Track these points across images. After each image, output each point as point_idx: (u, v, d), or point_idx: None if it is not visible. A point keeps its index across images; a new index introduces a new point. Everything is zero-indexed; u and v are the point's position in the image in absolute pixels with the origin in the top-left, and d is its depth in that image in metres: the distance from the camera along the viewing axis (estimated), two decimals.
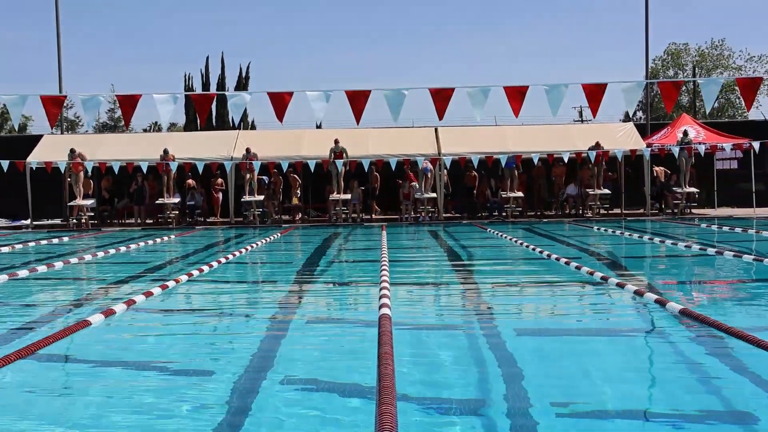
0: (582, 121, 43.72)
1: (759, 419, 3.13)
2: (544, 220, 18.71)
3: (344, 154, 18.44)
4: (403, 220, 19.01)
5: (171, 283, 7.12)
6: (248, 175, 18.58)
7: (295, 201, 20.01)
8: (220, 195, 19.97)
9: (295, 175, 19.63)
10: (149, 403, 3.49)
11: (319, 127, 24.52)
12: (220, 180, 19.75)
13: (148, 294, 6.40)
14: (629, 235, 13.00)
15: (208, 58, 39.62)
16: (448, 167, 18.93)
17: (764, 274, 7.76)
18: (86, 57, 67.88)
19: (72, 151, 18.16)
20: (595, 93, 11.30)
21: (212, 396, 3.58)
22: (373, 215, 20.15)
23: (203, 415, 3.28)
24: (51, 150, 19.41)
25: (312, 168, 18.60)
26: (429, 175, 18.64)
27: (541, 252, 9.77)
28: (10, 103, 11.51)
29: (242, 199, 18.94)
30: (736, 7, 67.20)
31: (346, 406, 3.44)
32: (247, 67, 39.96)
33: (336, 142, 18.47)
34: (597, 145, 18.34)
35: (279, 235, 14.85)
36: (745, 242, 11.71)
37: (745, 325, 4.66)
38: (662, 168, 20.11)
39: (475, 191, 20.11)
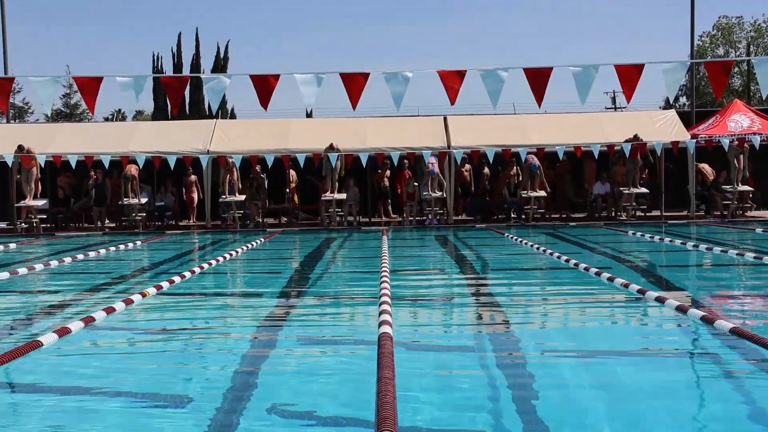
0: (615, 108, 43.76)
1: None
2: (571, 223, 18.71)
3: (340, 161, 18.44)
4: (406, 224, 19.01)
5: (136, 297, 7.12)
6: (228, 175, 18.59)
7: (291, 197, 20.07)
8: (195, 195, 19.98)
9: (292, 171, 19.67)
10: None
11: (309, 115, 24.57)
12: (193, 177, 19.76)
13: (110, 310, 6.39)
14: (670, 241, 13.00)
15: (180, 35, 39.69)
16: (458, 162, 18.93)
17: None
18: (37, 34, 67.99)
19: (20, 148, 18.10)
20: (630, 75, 11.30)
21: (185, 428, 3.58)
22: (383, 218, 20.01)
23: None
24: None
25: (301, 163, 18.59)
26: (435, 180, 18.61)
27: (567, 261, 9.77)
28: None
29: (220, 200, 18.96)
30: None
31: None
32: (226, 47, 40.03)
33: (331, 147, 18.34)
34: (635, 138, 18.33)
35: (263, 240, 14.87)
36: None
37: None
38: (706, 165, 20.03)
39: (476, 190, 20.19)
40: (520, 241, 13.32)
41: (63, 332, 5.39)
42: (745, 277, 9.18)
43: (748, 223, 17.66)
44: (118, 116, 46.12)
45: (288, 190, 20.11)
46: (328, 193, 18.68)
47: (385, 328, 4.93)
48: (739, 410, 3.79)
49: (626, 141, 18.38)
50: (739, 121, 19.87)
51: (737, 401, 3.96)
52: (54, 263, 11.03)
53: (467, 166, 19.84)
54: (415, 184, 19.00)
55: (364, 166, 19.29)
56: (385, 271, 8.69)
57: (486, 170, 20.10)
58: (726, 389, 4.20)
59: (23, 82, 33.78)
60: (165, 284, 8.06)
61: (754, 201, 20.27)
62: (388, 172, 19.48)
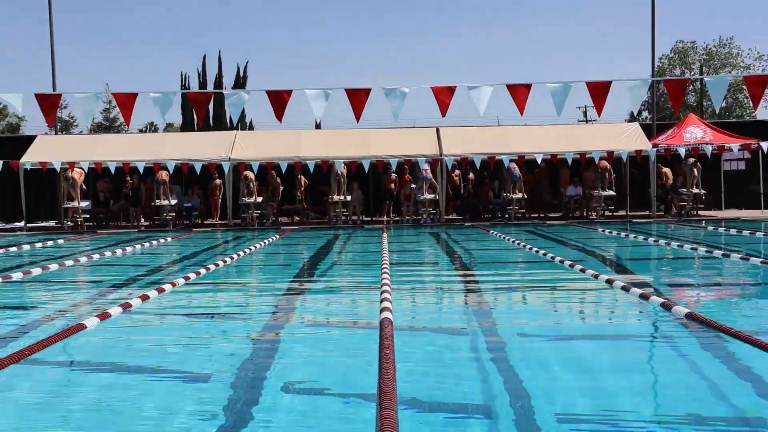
0: (587, 121, 43.70)
1: (764, 422, 3.14)
2: (548, 222, 18.71)
3: (342, 180, 18.56)
4: (404, 222, 19.01)
5: (167, 286, 7.13)
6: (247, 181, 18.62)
7: (301, 199, 20.08)
8: (219, 196, 19.97)
9: (302, 176, 19.70)
10: (142, 406, 3.51)
11: (318, 127, 24.57)
12: (218, 181, 19.75)
13: (144, 297, 6.41)
14: (634, 237, 13.01)
15: (205, 57, 39.67)
16: (449, 167, 18.95)
17: None
18: (80, 57, 67.99)
19: (64, 170, 18.39)
20: (599, 91, 11.31)
21: (210, 400, 3.59)
22: (390, 217, 19.93)
23: (200, 419, 3.29)
24: (45, 151, 19.40)
25: (311, 169, 18.62)
26: (426, 184, 18.60)
27: (544, 254, 9.78)
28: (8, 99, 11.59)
29: (240, 201, 18.96)
30: (745, 4, 67.18)
31: (347, 411, 3.45)
32: (245, 67, 40.01)
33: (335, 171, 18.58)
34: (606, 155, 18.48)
35: (277, 237, 14.87)
36: (752, 245, 11.72)
37: (753, 329, 4.68)
38: (668, 169, 20.12)
39: (464, 193, 20.18)
40: (503, 238, 13.33)
41: (104, 316, 5.41)
42: (698, 268, 9.19)
43: (700, 221, 17.68)
44: (151, 128, 46.07)
45: (298, 193, 20.14)
46: (335, 196, 18.78)
47: (386, 314, 4.94)
48: (691, 382, 3.81)
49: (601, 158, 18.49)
50: (694, 132, 19.87)
51: (691, 375, 3.98)
52: (96, 257, 11.05)
53: (457, 172, 19.85)
54: (413, 186, 18.99)
55: (366, 171, 19.30)
56: (385, 263, 8.70)
57: (471, 175, 20.12)
58: (681, 365, 4.21)
59: (69, 98, 33.80)
60: (192, 275, 8.08)
61: (706, 203, 20.33)
62: (393, 176, 19.49)
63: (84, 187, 19.24)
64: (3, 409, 3.59)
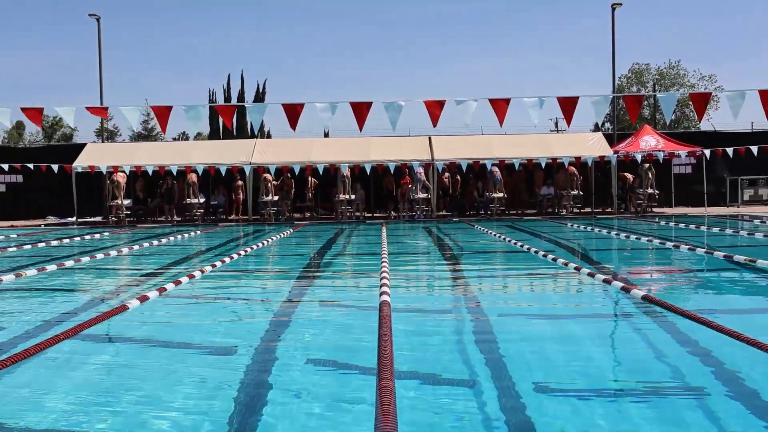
0: (557, 130, 43.63)
1: (704, 387, 3.15)
2: (525, 218, 18.70)
3: (347, 181, 18.50)
4: (400, 218, 18.99)
5: (197, 273, 7.13)
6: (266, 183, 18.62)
7: (311, 198, 20.06)
8: (241, 195, 19.96)
9: (312, 178, 19.68)
10: (175, 373, 3.51)
11: (326, 135, 24.51)
12: (240, 182, 19.73)
13: (177, 282, 6.40)
14: (598, 231, 13.00)
15: (229, 75, 39.68)
16: (439, 170, 18.94)
17: (714, 264, 7.78)
18: (122, 76, 67.84)
19: (109, 173, 18.51)
20: (568, 105, 11.30)
21: (234, 368, 3.59)
22: (392, 214, 19.87)
23: (227, 385, 3.29)
24: (93, 156, 19.42)
25: (321, 171, 18.63)
26: (420, 185, 18.57)
27: (521, 246, 9.77)
28: (62, 111, 11.57)
29: (259, 199, 18.95)
30: (690, 33, 67.60)
31: (351, 380, 3.45)
32: (264, 84, 39.89)
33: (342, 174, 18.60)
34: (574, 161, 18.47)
35: (291, 230, 14.85)
36: (697, 237, 11.73)
37: (697, 308, 4.67)
38: (629, 173, 20.13)
39: (453, 192, 20.15)
40: (486, 231, 13.32)
41: (143, 299, 5.40)
42: (653, 257, 9.19)
43: (654, 217, 17.69)
44: (183, 137, 45.89)
45: (309, 193, 20.11)
46: (341, 195, 18.76)
47: (385, 297, 4.93)
48: (647, 354, 3.81)
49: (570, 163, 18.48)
50: (648, 141, 19.85)
51: (646, 348, 3.98)
52: (136, 247, 11.03)
53: (446, 174, 19.83)
54: (410, 187, 18.98)
55: (368, 173, 19.29)
56: (384, 253, 8.70)
57: (458, 177, 20.09)
58: (637, 339, 4.21)
59: (113, 111, 33.68)
60: (218, 263, 8.07)
61: (659, 201, 20.34)
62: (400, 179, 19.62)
63: (125, 187, 19.23)
64: (57, 378, 3.58)
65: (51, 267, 8.03)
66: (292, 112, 11.52)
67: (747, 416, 2.84)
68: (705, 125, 36.53)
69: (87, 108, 11.42)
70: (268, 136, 35.93)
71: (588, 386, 3.26)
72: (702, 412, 2.91)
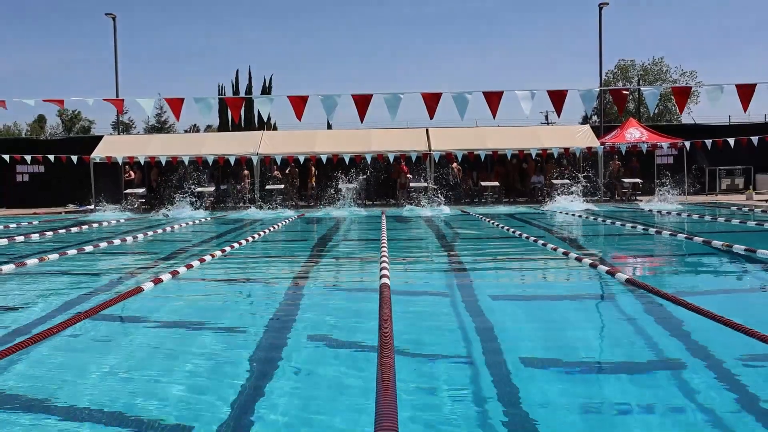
0: (548, 123, 43.48)
1: (683, 361, 3.19)
2: (517, 205, 18.68)
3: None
4: (399, 206, 18.96)
5: (207, 257, 7.15)
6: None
7: (313, 186, 19.99)
8: (248, 183, 19.90)
9: (313, 167, 19.62)
10: (186, 349, 3.53)
11: (329, 127, 24.43)
12: (247, 171, 19.68)
13: (189, 266, 6.42)
14: (586, 217, 13.00)
15: (237, 71, 39.28)
16: (436, 161, 18.89)
17: (694, 249, 7.80)
18: (137, 72, 67.52)
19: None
20: (558, 98, 11.29)
21: (243, 345, 3.62)
22: (403, 201, 19.76)
23: (236, 360, 3.32)
24: (110, 147, 19.40)
25: (324, 161, 18.60)
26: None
27: (513, 231, 9.78)
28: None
29: (266, 187, 18.93)
30: (672, 32, 67.29)
31: (354, 357, 3.48)
32: (270, 78, 39.61)
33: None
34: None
35: (296, 217, 14.85)
36: (678, 223, 11.74)
37: (677, 290, 4.70)
38: (617, 162, 20.09)
39: (459, 181, 20.10)
40: (481, 218, 13.32)
41: (157, 281, 5.43)
42: (636, 242, 9.21)
43: (638, 204, 17.68)
44: (194, 129, 45.77)
45: (310, 181, 20.04)
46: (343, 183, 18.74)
47: (385, 280, 4.95)
48: (629, 331, 3.84)
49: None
50: (633, 133, 19.82)
51: (629, 327, 4.01)
52: (150, 233, 11.05)
53: (457, 166, 19.72)
54: (409, 176, 18.94)
55: (369, 163, 19.25)
56: (384, 238, 8.70)
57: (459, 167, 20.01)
58: (620, 319, 4.24)
59: (128, 104, 33.58)
60: (227, 248, 8.08)
61: (642, 190, 20.32)
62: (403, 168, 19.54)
63: (141, 178, 19.22)
64: (79, 353, 3.61)
65: (72, 251, 8.04)
66: (297, 105, 11.53)
67: (720, 389, 2.87)
68: (686, 118, 36.39)
69: (106, 99, 11.42)
70: (275, 128, 35.83)
71: (572, 361, 3.29)
72: (677, 383, 2.94)
